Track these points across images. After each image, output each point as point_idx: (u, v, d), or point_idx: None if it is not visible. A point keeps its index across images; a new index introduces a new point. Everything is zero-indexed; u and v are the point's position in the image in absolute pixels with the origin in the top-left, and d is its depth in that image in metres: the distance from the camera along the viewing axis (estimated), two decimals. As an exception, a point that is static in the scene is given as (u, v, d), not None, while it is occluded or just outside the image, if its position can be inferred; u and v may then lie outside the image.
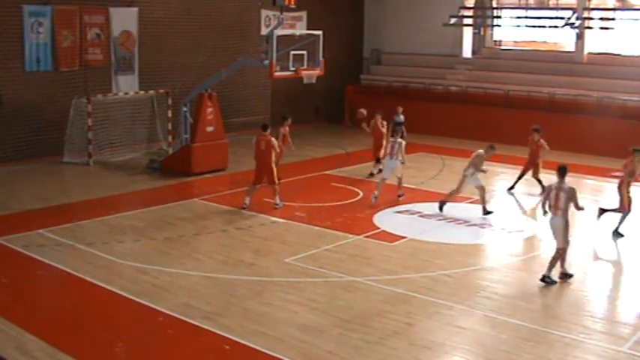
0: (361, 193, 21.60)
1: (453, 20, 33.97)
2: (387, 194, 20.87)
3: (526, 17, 33.82)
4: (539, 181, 21.72)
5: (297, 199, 20.86)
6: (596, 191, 22.97)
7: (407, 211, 19.89)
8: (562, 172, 14.52)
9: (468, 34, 35.18)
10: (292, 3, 22.97)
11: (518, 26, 34.49)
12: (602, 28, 31.21)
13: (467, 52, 35.36)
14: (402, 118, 26.60)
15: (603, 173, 25.00)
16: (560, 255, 14.42)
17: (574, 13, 31.38)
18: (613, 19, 31.19)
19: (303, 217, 19.20)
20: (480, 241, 17.90)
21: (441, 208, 19.61)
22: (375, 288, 14.23)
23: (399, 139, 20.75)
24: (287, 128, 22.48)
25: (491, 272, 15.51)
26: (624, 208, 17.86)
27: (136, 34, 27.63)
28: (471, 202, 20.34)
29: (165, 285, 14.25)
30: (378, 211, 19.61)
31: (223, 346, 11.73)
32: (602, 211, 18.78)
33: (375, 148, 23.87)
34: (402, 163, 20.78)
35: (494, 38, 35.96)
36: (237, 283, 14.45)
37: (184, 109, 24.09)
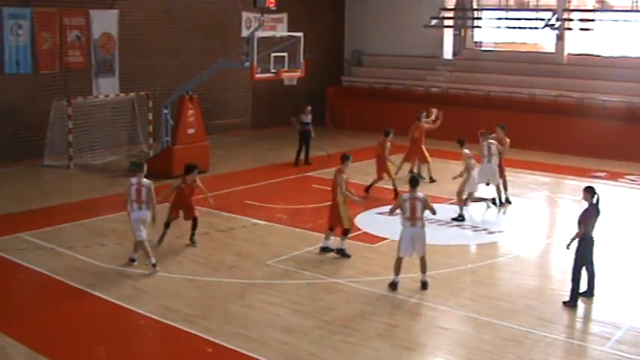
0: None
1: (433, 22, 34.05)
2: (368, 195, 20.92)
3: (506, 18, 34.00)
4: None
5: (278, 201, 20.83)
6: (577, 191, 22.89)
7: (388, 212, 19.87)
8: (414, 183, 14.41)
9: (448, 35, 35.26)
10: (273, 4, 22.94)
11: (498, 27, 34.62)
12: (582, 29, 31.39)
13: (447, 53, 35.43)
14: (309, 118, 26.52)
15: (583, 173, 25.14)
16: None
17: (554, 14, 31.54)
18: (593, 20, 31.38)
19: (284, 219, 19.19)
20: (461, 242, 17.92)
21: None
22: (357, 289, 14.23)
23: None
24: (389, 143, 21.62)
25: (473, 273, 15.54)
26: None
27: (117, 37, 27.47)
28: (452, 203, 20.36)
29: (146, 288, 14.19)
30: (359, 212, 19.60)
31: (205, 349, 11.69)
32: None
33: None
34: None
35: (475, 39, 36.04)
36: (219, 285, 14.41)
37: (165, 111, 24.00)
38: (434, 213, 14.55)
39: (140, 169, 15.22)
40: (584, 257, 13.52)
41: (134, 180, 15.07)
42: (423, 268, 14.30)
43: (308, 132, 26.29)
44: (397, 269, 14.24)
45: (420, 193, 14.24)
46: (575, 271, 13.54)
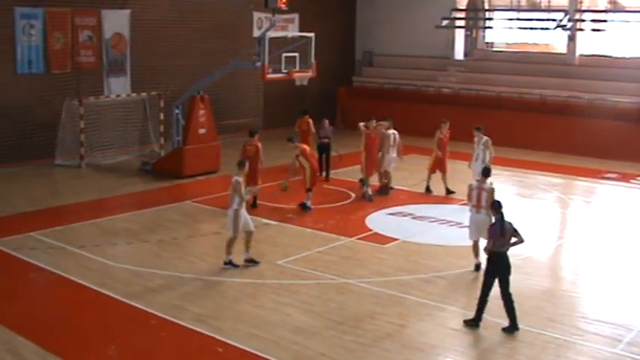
0: (353, 195, 21.62)
1: (444, 22, 34.00)
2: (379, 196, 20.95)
3: (518, 19, 33.89)
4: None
5: (289, 201, 20.83)
6: (588, 192, 23.03)
7: (399, 212, 19.90)
8: (485, 173, 15.55)
9: (459, 35, 35.20)
10: (284, 5, 22.95)
11: (510, 28, 34.50)
12: (593, 29, 31.27)
13: (459, 53, 35.37)
14: (328, 131, 24.21)
15: (594, 174, 25.10)
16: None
17: (566, 14, 31.44)
18: (604, 20, 31.25)
19: (295, 219, 19.20)
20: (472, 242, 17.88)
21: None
22: (368, 290, 14.24)
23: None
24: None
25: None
26: None
27: (128, 37, 27.56)
28: (464, 204, 20.33)
29: (157, 287, 14.23)
30: (370, 212, 19.61)
31: (216, 349, 11.72)
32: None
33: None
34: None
35: (486, 40, 36.00)
36: (230, 285, 14.44)
37: (176, 111, 24.05)
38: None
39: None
40: (487, 277, 12.50)
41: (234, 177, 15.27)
42: (476, 253, 15.20)
43: (326, 145, 24.08)
44: (475, 252, 15.24)
45: (487, 184, 15.13)
46: (481, 292, 12.57)
